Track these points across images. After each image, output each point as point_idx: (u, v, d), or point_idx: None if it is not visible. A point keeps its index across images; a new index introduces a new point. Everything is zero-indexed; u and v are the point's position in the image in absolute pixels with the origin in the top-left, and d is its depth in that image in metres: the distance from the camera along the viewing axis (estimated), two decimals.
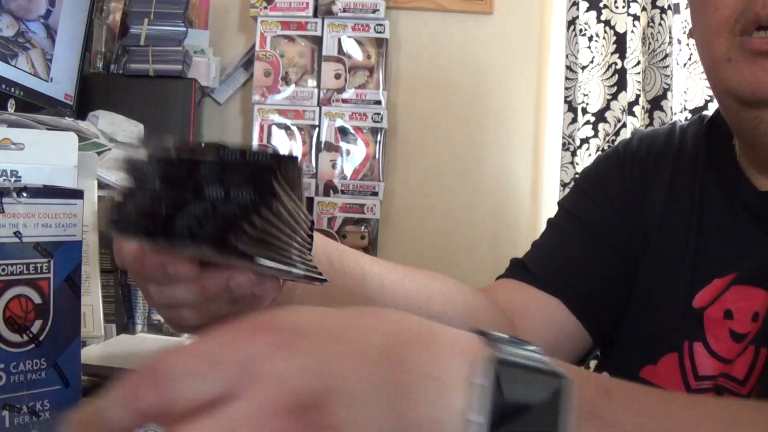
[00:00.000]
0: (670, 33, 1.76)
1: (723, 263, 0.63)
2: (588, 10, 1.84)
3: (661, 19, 1.76)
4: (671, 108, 1.76)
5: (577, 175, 1.79)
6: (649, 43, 1.79)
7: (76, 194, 0.45)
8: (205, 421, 0.24)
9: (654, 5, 1.78)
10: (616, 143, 0.81)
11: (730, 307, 0.61)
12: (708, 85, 1.82)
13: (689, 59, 1.79)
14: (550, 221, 0.79)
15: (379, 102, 1.92)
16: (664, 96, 1.76)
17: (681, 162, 0.70)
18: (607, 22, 1.83)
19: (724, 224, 0.64)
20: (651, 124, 1.78)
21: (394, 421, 0.27)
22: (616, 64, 1.82)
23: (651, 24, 1.79)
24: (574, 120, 1.83)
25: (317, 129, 1.92)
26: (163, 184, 0.38)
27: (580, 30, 1.83)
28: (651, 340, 0.65)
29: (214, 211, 0.38)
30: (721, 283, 0.62)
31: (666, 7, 1.77)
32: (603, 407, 0.31)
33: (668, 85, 1.75)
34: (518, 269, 0.75)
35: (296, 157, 0.41)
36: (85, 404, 0.27)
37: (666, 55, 1.76)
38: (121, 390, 0.25)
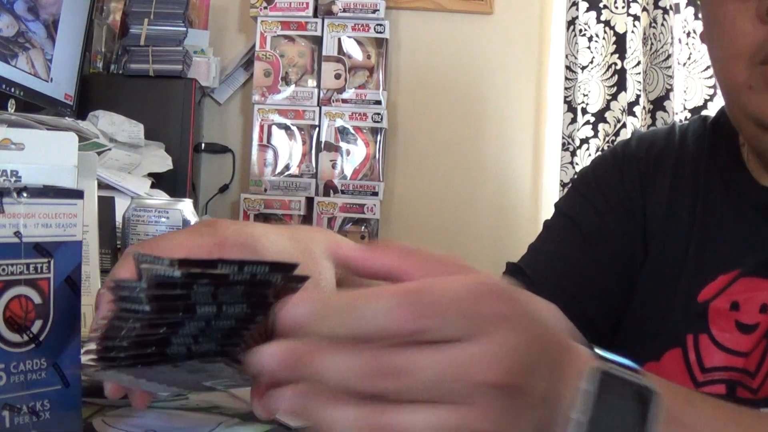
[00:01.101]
0: (672, 33, 1.76)
1: (728, 259, 0.63)
2: (588, 10, 1.84)
3: (664, 19, 1.76)
4: (673, 108, 1.76)
5: (576, 176, 1.79)
6: (652, 44, 1.80)
7: (76, 194, 0.45)
8: (438, 355, 0.30)
9: (656, 6, 1.78)
10: (615, 144, 0.81)
11: (737, 298, 0.61)
12: (708, 84, 1.82)
13: (689, 59, 1.79)
14: (546, 224, 0.79)
15: (379, 102, 1.92)
16: (666, 96, 1.76)
17: (683, 162, 0.70)
18: (606, 23, 1.83)
19: (729, 221, 0.65)
20: (654, 124, 1.78)
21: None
22: (615, 64, 1.82)
23: (653, 24, 1.79)
24: (574, 120, 1.83)
25: (317, 129, 1.92)
26: (156, 307, 0.36)
27: (580, 30, 1.84)
28: (653, 338, 0.65)
29: (208, 328, 0.37)
30: (727, 278, 0.62)
31: (668, 7, 1.77)
32: (686, 414, 0.37)
33: (671, 85, 1.75)
34: (515, 274, 0.75)
35: (295, 266, 0.39)
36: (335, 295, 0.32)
37: (668, 56, 1.76)
38: (387, 302, 0.30)
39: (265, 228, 0.45)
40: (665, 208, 0.69)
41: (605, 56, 1.84)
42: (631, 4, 1.81)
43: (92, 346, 0.38)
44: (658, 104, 1.77)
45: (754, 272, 0.61)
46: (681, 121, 0.71)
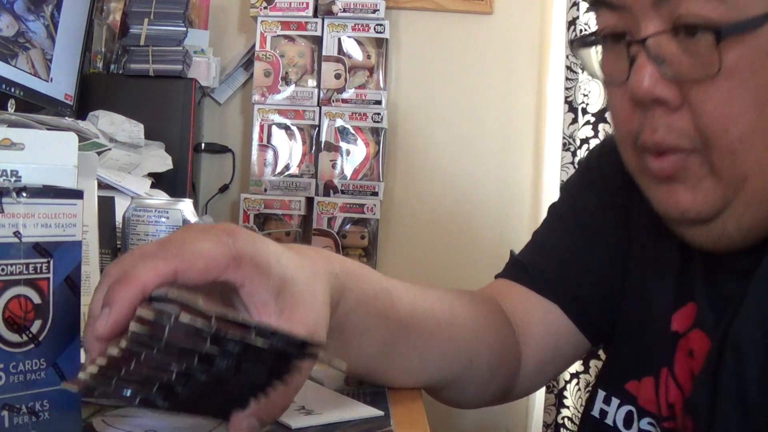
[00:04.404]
0: None
1: (680, 291, 0.62)
2: (588, 10, 1.84)
3: None
4: None
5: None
6: None
7: (76, 194, 0.45)
8: None
9: None
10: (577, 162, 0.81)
11: (692, 347, 0.60)
12: None
13: None
14: (551, 209, 0.79)
15: (379, 102, 1.92)
16: None
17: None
18: None
19: (664, 252, 0.64)
20: None
21: None
22: None
23: None
24: (575, 120, 1.83)
25: (317, 129, 1.92)
26: (174, 349, 0.36)
27: (580, 30, 1.84)
28: (635, 357, 0.65)
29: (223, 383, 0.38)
30: (692, 311, 0.61)
31: None
32: None
33: None
34: (517, 271, 0.75)
35: (319, 344, 0.40)
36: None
37: None
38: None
39: (277, 249, 0.46)
40: (637, 220, 0.69)
41: None
42: None
43: (90, 367, 0.38)
44: None
45: (700, 326, 0.59)
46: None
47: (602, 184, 0.73)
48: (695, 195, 0.53)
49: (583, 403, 1.89)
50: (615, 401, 0.65)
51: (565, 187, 0.80)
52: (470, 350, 0.65)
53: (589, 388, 1.69)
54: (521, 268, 0.74)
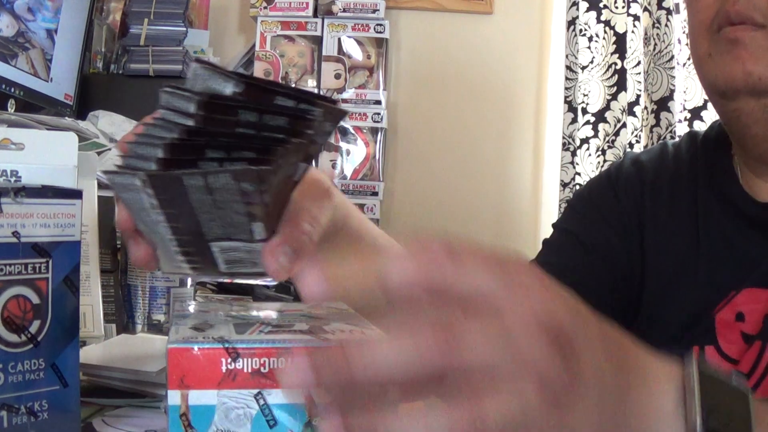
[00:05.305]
0: (673, 34, 1.76)
1: (737, 276, 0.63)
2: (588, 10, 1.84)
3: (667, 20, 1.76)
4: (676, 109, 1.76)
5: (577, 175, 1.79)
6: (655, 44, 1.79)
7: (75, 194, 0.45)
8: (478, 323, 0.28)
9: (660, 6, 1.77)
10: (608, 166, 0.81)
11: (742, 309, 0.61)
12: None
13: (689, 59, 1.79)
14: (545, 241, 0.79)
15: (379, 102, 1.92)
16: (670, 97, 1.76)
17: (679, 181, 0.71)
18: (607, 23, 1.83)
19: (731, 238, 0.65)
20: (657, 125, 1.77)
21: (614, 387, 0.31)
22: (616, 64, 1.82)
23: (657, 25, 1.78)
24: (574, 120, 1.83)
25: None
26: (201, 119, 0.35)
27: (580, 30, 1.83)
28: (660, 351, 0.65)
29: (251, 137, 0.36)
30: (734, 293, 0.63)
31: (670, 8, 1.76)
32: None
33: (674, 86, 1.75)
34: None
35: (344, 112, 0.40)
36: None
37: (672, 56, 1.76)
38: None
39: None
40: (664, 227, 0.69)
41: (605, 56, 1.84)
42: (631, 5, 1.80)
43: (117, 152, 0.37)
44: (662, 105, 1.77)
45: (756, 283, 0.61)
46: (669, 139, 0.71)
47: (597, 211, 0.74)
48: (759, 62, 0.58)
49: None
50: None
51: (556, 223, 0.81)
52: None
53: None
54: None
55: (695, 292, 0.65)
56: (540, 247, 0.79)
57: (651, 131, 1.80)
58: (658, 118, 1.78)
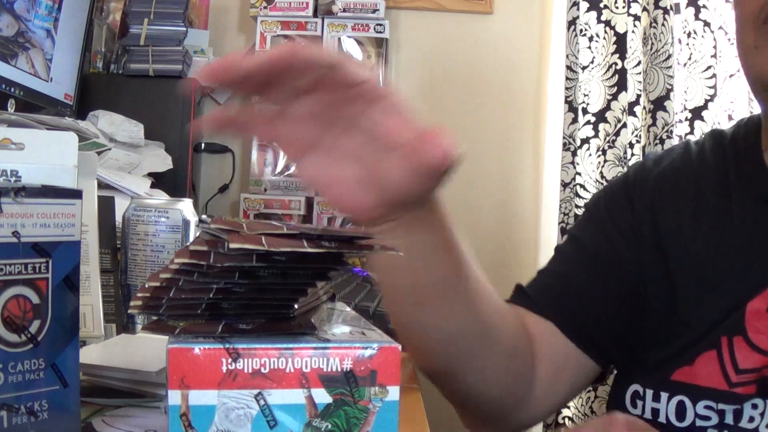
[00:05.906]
0: (672, 33, 1.76)
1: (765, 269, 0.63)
2: (588, 10, 1.84)
3: (664, 19, 1.76)
4: (674, 108, 1.75)
5: (578, 175, 1.79)
6: (652, 44, 1.79)
7: (75, 194, 0.45)
8: None
9: (657, 6, 1.77)
10: (629, 166, 0.82)
11: None
12: (708, 85, 1.82)
13: (689, 59, 1.79)
14: (557, 248, 0.80)
15: None
16: (667, 96, 1.75)
17: (704, 177, 0.71)
18: (607, 23, 1.83)
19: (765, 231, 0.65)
20: (654, 124, 1.77)
21: None
22: (616, 64, 1.82)
23: (654, 24, 1.78)
24: (575, 120, 1.83)
25: None
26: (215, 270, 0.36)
27: (581, 30, 1.83)
28: (686, 344, 0.65)
29: None
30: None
31: (669, 7, 1.76)
32: None
33: (671, 85, 1.75)
34: (517, 295, 0.76)
35: (370, 236, 0.40)
36: None
37: (669, 56, 1.76)
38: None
39: None
40: (689, 225, 0.69)
41: (606, 56, 1.84)
42: (632, 4, 1.80)
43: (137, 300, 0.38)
44: (659, 104, 1.77)
45: None
46: (692, 138, 0.71)
47: (610, 221, 0.74)
48: None
49: (585, 403, 1.88)
50: (664, 395, 0.65)
51: (570, 229, 0.82)
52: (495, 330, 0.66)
53: (591, 390, 1.69)
54: (521, 292, 0.76)
55: (730, 287, 0.65)
56: (540, 247, 0.80)
57: (648, 131, 1.80)
58: (654, 118, 1.78)
